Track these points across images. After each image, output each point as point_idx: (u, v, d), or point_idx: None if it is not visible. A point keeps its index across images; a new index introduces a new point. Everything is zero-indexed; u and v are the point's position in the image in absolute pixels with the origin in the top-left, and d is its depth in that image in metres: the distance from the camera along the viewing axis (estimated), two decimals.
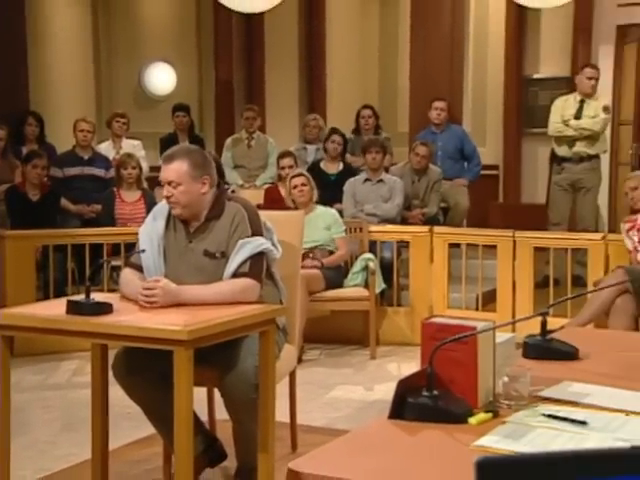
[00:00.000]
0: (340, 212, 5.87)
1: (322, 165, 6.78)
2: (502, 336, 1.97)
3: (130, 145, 7.07)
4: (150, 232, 3.12)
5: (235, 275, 2.98)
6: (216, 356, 2.93)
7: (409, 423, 1.75)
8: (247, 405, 2.94)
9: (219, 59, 8.71)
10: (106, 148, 7.10)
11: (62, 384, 4.81)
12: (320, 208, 5.57)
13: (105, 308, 2.75)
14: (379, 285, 5.58)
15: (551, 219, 6.72)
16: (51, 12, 8.19)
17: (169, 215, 3.12)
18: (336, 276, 5.47)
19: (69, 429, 3.94)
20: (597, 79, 6.56)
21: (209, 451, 3.23)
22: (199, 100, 8.95)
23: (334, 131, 6.92)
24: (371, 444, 1.68)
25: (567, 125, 6.50)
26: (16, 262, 5.33)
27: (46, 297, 5.37)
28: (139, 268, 3.07)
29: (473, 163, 7.11)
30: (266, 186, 6.86)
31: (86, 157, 6.65)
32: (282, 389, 3.41)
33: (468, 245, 5.75)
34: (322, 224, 5.48)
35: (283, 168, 6.27)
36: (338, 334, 5.65)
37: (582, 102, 6.51)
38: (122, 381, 3.04)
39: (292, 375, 3.50)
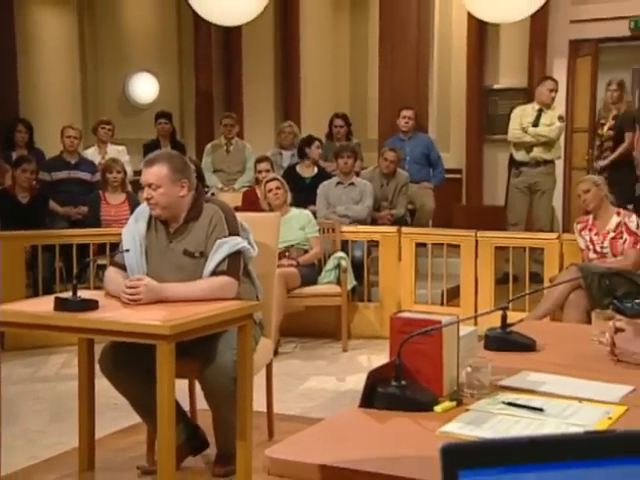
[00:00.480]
0: (314, 213, 5.86)
1: (298, 169, 6.77)
2: (465, 329, 1.97)
3: (115, 150, 7.01)
4: (133, 233, 3.09)
5: (214, 273, 2.97)
6: (197, 350, 2.92)
7: (379, 411, 1.75)
8: (226, 396, 2.93)
9: (199, 70, 8.66)
10: (92, 153, 7.04)
11: (51, 377, 4.76)
12: (294, 210, 5.56)
13: (91, 305, 2.72)
14: (350, 282, 5.58)
15: (509, 220, 6.77)
16: (40, 24, 8.11)
17: (150, 217, 3.10)
18: (311, 273, 5.46)
19: (57, 419, 3.90)
20: (557, 91, 6.64)
21: (192, 440, 3.21)
22: (180, 108, 8.90)
23: (315, 138, 6.92)
24: (343, 431, 1.68)
25: (525, 132, 6.56)
26: (6, 261, 5.26)
27: (35, 295, 5.31)
28: (123, 267, 3.05)
29: (437, 170, 7.15)
30: (244, 189, 6.83)
31: (73, 162, 6.59)
32: (259, 380, 3.40)
33: (434, 244, 5.78)
34: (297, 225, 5.47)
35: (260, 172, 6.25)
36: (312, 328, 5.64)
37: (540, 111, 6.58)
38: (109, 375, 3.02)
39: (269, 367, 3.49)
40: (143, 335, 2.58)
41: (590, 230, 4.87)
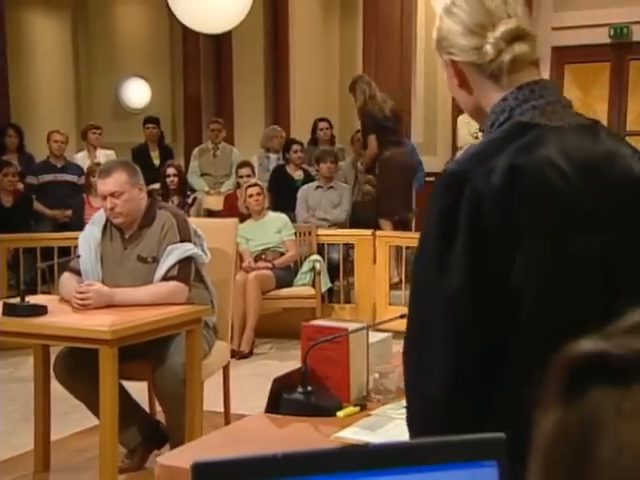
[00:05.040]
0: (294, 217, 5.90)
1: (288, 170, 6.73)
2: (377, 336, 1.99)
3: (104, 155, 7.06)
4: (89, 239, 3.13)
5: (165, 278, 3.00)
6: (149, 352, 2.95)
7: (282, 417, 1.77)
8: (176, 397, 2.95)
9: (188, 75, 8.68)
10: (82, 157, 7.11)
11: (27, 377, 4.72)
12: (271, 213, 5.59)
13: (39, 310, 2.75)
14: (325, 284, 5.59)
15: None
16: (33, 29, 8.16)
17: (106, 223, 3.13)
18: (286, 276, 5.48)
19: (27, 420, 3.89)
20: None
21: (151, 437, 3.22)
22: (172, 113, 8.93)
23: (294, 141, 6.92)
24: (242, 437, 1.70)
25: (476, 137, 6.66)
26: None
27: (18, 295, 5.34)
28: (78, 272, 3.08)
29: (419, 175, 7.18)
30: (229, 192, 6.86)
31: (59, 165, 6.66)
32: (220, 382, 3.43)
33: (407, 247, 5.80)
34: (273, 228, 5.50)
35: (241, 177, 6.27)
36: (288, 329, 5.63)
37: None
38: (63, 382, 3.05)
39: (226, 369, 3.51)
40: (86, 340, 2.61)
41: None
